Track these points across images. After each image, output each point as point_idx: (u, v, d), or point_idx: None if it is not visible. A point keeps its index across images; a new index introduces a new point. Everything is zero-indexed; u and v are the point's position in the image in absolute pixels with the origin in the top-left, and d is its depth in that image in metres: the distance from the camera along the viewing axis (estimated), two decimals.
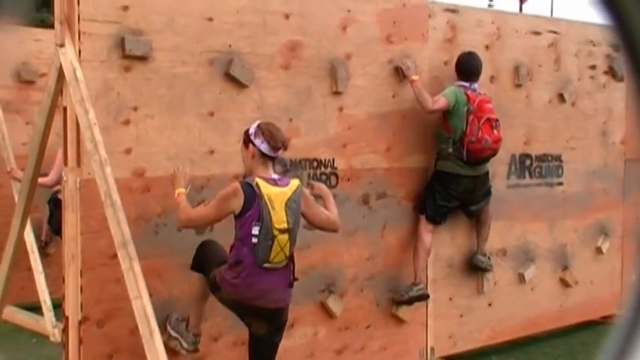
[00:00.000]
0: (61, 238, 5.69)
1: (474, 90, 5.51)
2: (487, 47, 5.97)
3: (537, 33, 6.38)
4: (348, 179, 5.14)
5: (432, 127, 5.61)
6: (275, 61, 4.74)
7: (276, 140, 3.88)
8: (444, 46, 5.71)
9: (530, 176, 6.41)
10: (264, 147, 3.86)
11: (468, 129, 5.36)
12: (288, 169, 4.75)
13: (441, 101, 5.36)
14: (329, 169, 5.03)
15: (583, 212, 6.85)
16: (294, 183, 3.92)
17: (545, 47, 6.46)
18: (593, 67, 6.86)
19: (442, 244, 5.74)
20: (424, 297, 5.46)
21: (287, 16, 4.78)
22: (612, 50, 6.97)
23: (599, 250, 6.99)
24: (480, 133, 5.35)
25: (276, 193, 3.80)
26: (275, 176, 3.92)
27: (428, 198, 5.53)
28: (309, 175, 4.91)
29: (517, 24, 6.28)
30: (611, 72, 7.00)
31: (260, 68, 4.67)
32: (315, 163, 4.96)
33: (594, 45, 6.84)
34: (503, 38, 6.10)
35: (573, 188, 6.76)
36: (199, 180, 4.37)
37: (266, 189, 3.78)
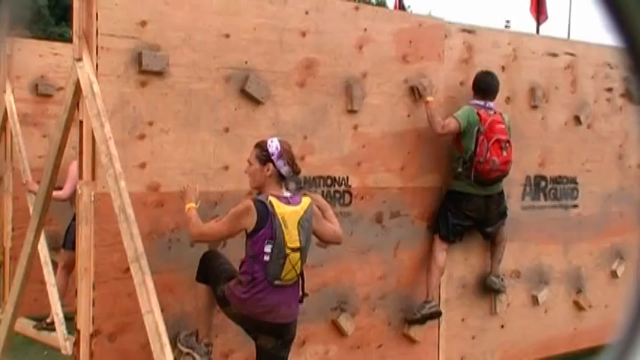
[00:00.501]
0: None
1: (489, 109, 5.49)
2: (503, 68, 5.96)
3: (554, 55, 6.37)
4: (362, 197, 5.13)
5: (447, 147, 5.60)
6: (291, 78, 4.76)
7: (296, 164, 3.96)
8: (460, 67, 5.70)
9: (545, 198, 6.37)
10: (285, 170, 3.91)
11: (478, 149, 5.36)
12: (302, 186, 4.74)
13: (451, 125, 5.37)
14: (343, 187, 5.02)
15: (598, 235, 6.79)
16: (306, 201, 3.94)
17: (562, 69, 6.44)
18: (609, 90, 6.83)
19: (455, 265, 5.71)
20: (437, 314, 5.43)
21: (304, 34, 4.79)
22: (629, 74, 6.93)
23: (614, 274, 6.92)
24: (488, 154, 5.35)
25: (290, 212, 3.82)
26: (287, 194, 3.93)
27: (441, 217, 5.53)
28: (322, 192, 4.89)
29: (533, 45, 6.26)
30: (628, 95, 6.96)
31: (276, 85, 4.68)
32: (329, 181, 4.96)
33: (611, 68, 6.81)
34: (519, 59, 6.09)
35: (589, 211, 6.71)
36: (213, 196, 4.37)
37: (279, 208, 3.79)
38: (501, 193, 5.71)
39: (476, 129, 5.37)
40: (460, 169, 5.42)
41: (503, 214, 5.76)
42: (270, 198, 3.81)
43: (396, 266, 5.36)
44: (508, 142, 5.47)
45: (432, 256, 5.47)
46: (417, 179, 5.45)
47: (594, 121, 6.71)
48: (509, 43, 6.05)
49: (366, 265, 5.16)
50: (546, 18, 15.91)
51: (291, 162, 3.91)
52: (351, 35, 5.04)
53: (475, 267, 5.87)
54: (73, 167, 6.14)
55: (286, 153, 3.92)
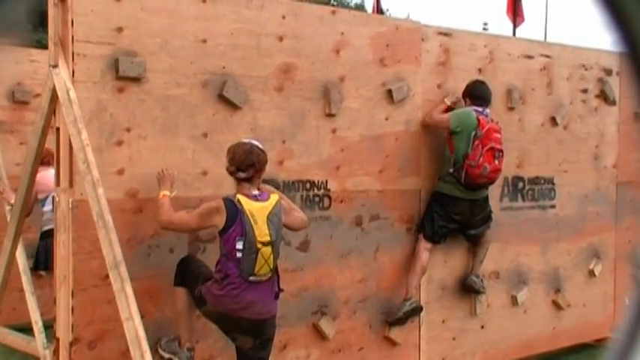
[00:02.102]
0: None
1: (486, 116, 5.58)
2: (480, 70, 6.00)
3: (530, 57, 6.42)
4: (341, 201, 5.14)
5: (426, 150, 5.62)
6: (269, 83, 4.75)
7: (250, 166, 4.02)
8: (438, 69, 5.73)
9: (523, 199, 6.41)
10: (241, 175, 4.04)
11: (471, 153, 5.42)
12: (281, 191, 4.73)
13: (438, 118, 5.54)
14: (322, 191, 5.03)
15: (576, 235, 6.84)
16: (274, 197, 4.06)
17: (538, 71, 6.49)
18: (585, 91, 6.89)
19: (435, 267, 5.73)
20: (418, 310, 5.46)
21: (281, 39, 4.80)
22: (604, 74, 7.01)
23: (591, 273, 6.98)
24: (481, 159, 5.41)
25: (258, 208, 3.94)
26: (255, 192, 4.02)
27: (427, 217, 5.57)
28: (302, 197, 4.90)
29: (510, 48, 6.31)
30: (603, 95, 7.03)
31: (254, 90, 4.67)
32: (308, 185, 4.96)
33: (586, 69, 6.87)
34: (496, 62, 6.13)
35: (566, 211, 6.76)
36: (192, 201, 4.36)
37: (248, 204, 3.92)
38: (486, 198, 5.77)
39: (473, 133, 5.44)
40: (451, 170, 5.48)
41: (487, 218, 5.82)
42: (238, 196, 3.95)
43: (376, 269, 5.37)
44: (501, 152, 5.55)
45: (416, 255, 5.50)
46: (396, 182, 5.46)
47: (570, 122, 6.76)
48: (485, 46, 6.09)
49: (346, 268, 5.16)
50: (523, 20, 16.02)
51: (243, 167, 4.00)
52: (328, 39, 5.05)
53: (455, 269, 5.89)
54: (41, 176, 6.07)
55: (237, 157, 4.02)
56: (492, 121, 5.62)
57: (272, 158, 4.74)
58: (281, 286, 4.10)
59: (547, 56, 6.56)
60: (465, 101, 5.71)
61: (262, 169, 4.09)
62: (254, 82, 4.67)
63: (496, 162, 5.49)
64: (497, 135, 5.55)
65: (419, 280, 5.53)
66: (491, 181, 5.62)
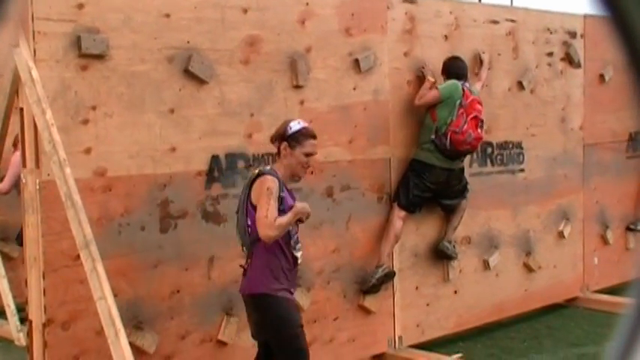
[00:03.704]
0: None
1: (468, 89, 5.69)
2: (446, 37, 6.00)
3: (495, 22, 6.42)
4: (312, 172, 5.11)
5: (395, 118, 5.63)
6: (235, 56, 4.71)
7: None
8: (404, 38, 5.72)
9: (492, 164, 6.46)
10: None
11: (455, 120, 5.53)
12: (251, 164, 4.72)
13: (429, 95, 5.60)
14: None
15: (545, 198, 6.92)
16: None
17: (504, 36, 6.50)
18: (550, 55, 6.92)
19: (408, 234, 5.76)
20: (391, 275, 5.51)
21: (245, 11, 4.74)
22: (568, 37, 7.04)
23: (561, 235, 7.08)
24: (465, 126, 5.53)
25: None
26: None
27: (402, 186, 5.63)
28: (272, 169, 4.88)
29: (475, 13, 6.30)
30: (568, 59, 7.08)
31: (220, 64, 4.63)
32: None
33: (551, 33, 6.90)
34: (461, 28, 6.13)
35: (535, 175, 6.82)
36: (161, 178, 4.33)
37: None
38: (462, 170, 5.87)
39: (458, 102, 5.55)
40: (433, 136, 5.56)
41: (464, 190, 5.91)
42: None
43: (349, 239, 5.39)
44: (483, 121, 5.68)
45: (389, 223, 5.55)
46: (365, 152, 5.46)
47: (537, 86, 6.80)
48: (450, 12, 6.08)
49: (318, 239, 5.17)
50: None
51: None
52: (293, 10, 5.01)
53: (427, 236, 5.93)
54: (14, 160, 6.00)
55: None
56: (475, 93, 5.74)
57: (240, 132, 4.73)
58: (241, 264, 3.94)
59: (512, 21, 6.58)
60: (443, 78, 5.78)
61: None
62: (220, 56, 4.63)
63: (479, 130, 5.63)
64: (480, 106, 5.68)
65: (391, 249, 5.57)
66: (473, 149, 5.76)
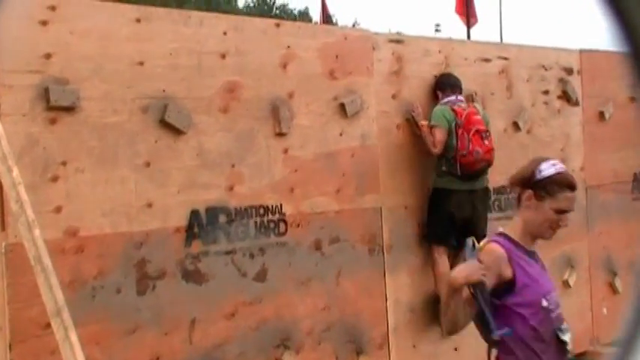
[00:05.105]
0: None
1: (461, 101, 5.84)
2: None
3: (487, 60, 6.52)
4: (298, 225, 5.14)
5: (384, 164, 5.67)
6: (213, 104, 4.75)
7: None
8: (391, 79, 5.80)
9: (490, 210, 6.47)
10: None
11: (459, 143, 5.67)
12: (233, 219, 4.74)
13: (439, 135, 5.68)
14: (277, 216, 5.03)
15: (547, 245, 6.84)
16: None
17: (496, 74, 6.60)
18: (546, 93, 7.01)
19: (401, 289, 5.75)
20: None
21: (223, 56, 4.80)
22: (565, 74, 7.15)
23: (566, 284, 7.07)
24: (470, 146, 5.67)
25: None
26: None
27: (429, 221, 5.82)
28: (256, 223, 4.89)
29: (465, 51, 6.40)
30: (565, 96, 7.17)
31: (197, 112, 4.67)
32: (261, 210, 4.96)
33: (546, 69, 7.01)
34: (451, 67, 6.21)
35: None
36: (137, 236, 4.33)
37: None
38: (486, 189, 6.03)
39: (453, 124, 5.69)
40: (444, 168, 5.73)
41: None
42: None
43: (340, 295, 5.37)
44: (487, 131, 5.81)
45: (434, 264, 5.78)
46: (354, 201, 5.49)
47: (533, 125, 6.88)
48: (440, 51, 6.18)
49: (307, 296, 5.16)
50: (476, 21, 16.31)
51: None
52: (273, 54, 5.08)
53: (422, 288, 5.92)
54: None
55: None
56: (468, 105, 5.87)
57: (221, 184, 4.75)
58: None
59: (505, 58, 6.68)
60: (437, 94, 5.93)
61: None
62: (197, 104, 4.67)
63: (486, 142, 5.75)
64: (478, 117, 5.81)
65: None
66: (489, 163, 5.85)
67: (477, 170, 5.79)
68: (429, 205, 5.84)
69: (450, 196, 5.77)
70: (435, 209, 5.80)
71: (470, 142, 5.66)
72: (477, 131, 5.71)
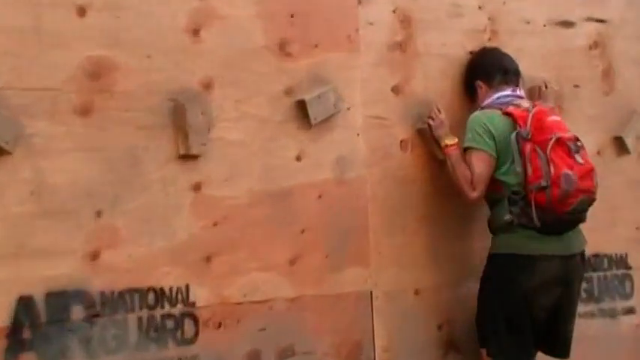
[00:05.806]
0: None
1: (520, 97, 5.95)
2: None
3: (567, 24, 6.70)
4: (219, 325, 5.13)
5: (377, 213, 5.70)
6: (63, 100, 4.72)
7: None
8: (392, 58, 5.90)
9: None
10: None
11: (530, 169, 5.58)
12: (98, 314, 4.72)
13: (480, 168, 5.73)
14: (179, 308, 5.02)
15: None
16: None
17: (584, 50, 6.78)
18: None
19: None
20: None
21: (83, 12, 4.78)
22: None
23: None
24: (551, 169, 5.54)
25: None
26: None
27: (486, 317, 5.84)
28: (139, 321, 4.87)
29: (527, 8, 6.51)
30: None
31: (34, 116, 4.63)
32: (150, 297, 4.94)
33: None
34: (502, 36, 6.31)
35: None
36: None
37: None
38: (583, 253, 5.97)
39: (513, 136, 5.65)
40: (508, 217, 5.71)
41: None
42: None
43: None
44: (577, 140, 5.72)
45: None
46: (323, 280, 5.50)
47: None
48: (480, 7, 6.29)
49: None
50: None
51: None
52: (176, 11, 5.09)
53: None
54: None
55: None
56: (534, 105, 5.87)
57: (76, 248, 4.72)
58: None
59: (600, 21, 6.95)
60: (477, 86, 6.03)
61: None
62: (32, 101, 4.63)
63: (579, 159, 5.64)
64: (555, 118, 5.81)
65: None
66: (590, 197, 5.74)
67: (567, 212, 5.65)
68: (482, 290, 5.87)
69: (525, 270, 5.72)
70: (498, 294, 5.77)
71: (549, 164, 5.56)
72: (559, 141, 5.62)
